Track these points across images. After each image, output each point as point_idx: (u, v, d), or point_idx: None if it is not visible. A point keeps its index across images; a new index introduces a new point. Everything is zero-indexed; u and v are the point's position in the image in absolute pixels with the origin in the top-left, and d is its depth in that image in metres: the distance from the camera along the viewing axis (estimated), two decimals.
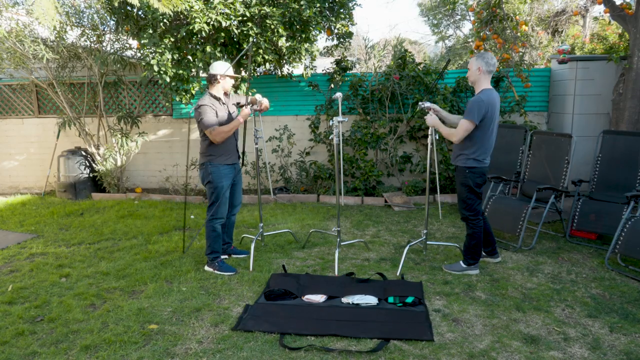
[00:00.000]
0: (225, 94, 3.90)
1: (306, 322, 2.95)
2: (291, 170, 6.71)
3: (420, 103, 3.74)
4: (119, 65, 6.37)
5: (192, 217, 5.57)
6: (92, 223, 5.36)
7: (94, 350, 2.68)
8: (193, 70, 5.72)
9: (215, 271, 3.80)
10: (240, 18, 5.29)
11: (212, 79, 3.79)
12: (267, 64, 6.08)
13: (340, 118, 3.74)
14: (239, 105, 4.00)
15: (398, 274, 3.71)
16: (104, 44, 6.47)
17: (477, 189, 3.59)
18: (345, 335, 2.77)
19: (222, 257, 3.99)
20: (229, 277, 3.70)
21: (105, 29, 6.40)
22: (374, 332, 2.80)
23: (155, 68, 5.29)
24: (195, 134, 7.08)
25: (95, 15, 6.21)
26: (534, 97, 6.30)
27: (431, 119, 3.66)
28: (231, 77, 3.86)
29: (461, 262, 3.74)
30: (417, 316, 3.00)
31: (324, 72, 6.63)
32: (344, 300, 3.23)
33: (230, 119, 3.81)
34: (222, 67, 3.78)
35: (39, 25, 6.00)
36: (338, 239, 4.01)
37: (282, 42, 5.39)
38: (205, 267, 3.89)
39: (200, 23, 5.05)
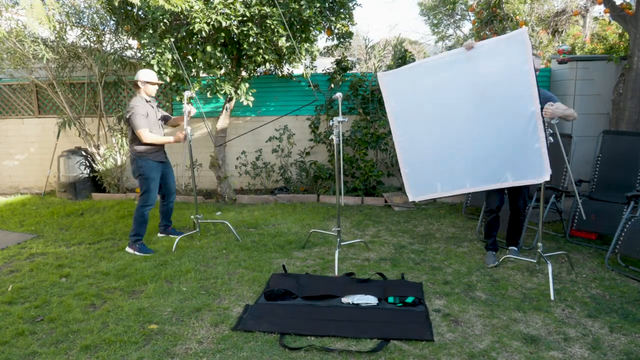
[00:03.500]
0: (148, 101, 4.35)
1: (306, 322, 2.95)
2: (291, 170, 6.71)
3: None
4: (119, 65, 6.37)
5: (192, 217, 5.56)
6: (92, 223, 5.37)
7: (94, 350, 2.68)
8: (193, 70, 5.72)
9: (136, 252, 4.25)
10: (240, 18, 5.29)
11: (136, 85, 4.30)
12: (267, 64, 6.08)
13: (340, 118, 3.75)
14: (164, 121, 4.56)
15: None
16: (104, 44, 6.47)
17: None
18: (345, 336, 2.77)
19: (159, 235, 4.74)
20: (229, 277, 3.71)
21: (105, 29, 6.40)
22: (374, 332, 2.80)
23: (155, 68, 5.29)
24: (196, 134, 7.08)
25: (95, 15, 6.21)
26: None
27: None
28: (152, 83, 4.32)
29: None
30: (417, 316, 3.00)
31: (324, 72, 6.63)
32: (344, 300, 3.23)
33: (154, 120, 4.35)
34: (144, 75, 4.29)
35: (39, 25, 6.00)
36: (338, 239, 4.01)
37: (282, 42, 5.40)
38: (126, 248, 4.33)
39: (200, 23, 5.05)
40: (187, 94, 4.29)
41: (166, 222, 4.78)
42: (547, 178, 3.32)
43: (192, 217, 4.53)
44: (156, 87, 4.40)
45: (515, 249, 4.06)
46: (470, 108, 3.50)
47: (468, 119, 3.53)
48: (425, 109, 3.64)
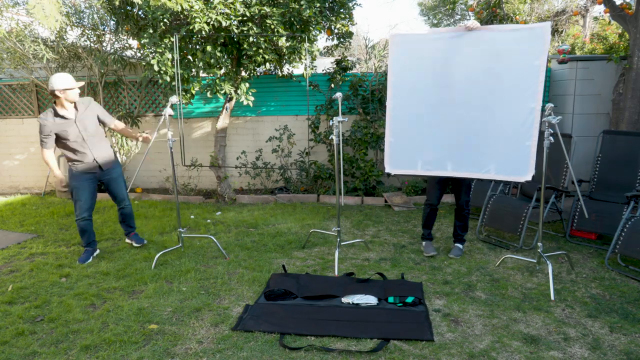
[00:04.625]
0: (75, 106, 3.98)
1: (306, 322, 2.95)
2: (291, 170, 6.71)
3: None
4: (119, 65, 6.37)
5: (192, 217, 5.57)
6: None
7: (94, 350, 2.68)
8: (193, 70, 5.72)
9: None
10: (240, 18, 5.29)
11: (53, 95, 3.85)
12: (267, 64, 6.08)
13: (340, 118, 3.74)
14: (103, 123, 4.25)
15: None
16: (104, 44, 6.47)
17: None
18: (345, 336, 2.77)
19: (127, 241, 4.56)
20: (229, 277, 3.71)
21: (105, 29, 6.40)
22: (374, 332, 2.80)
23: (156, 68, 5.29)
24: (196, 134, 7.09)
25: (95, 15, 6.21)
26: None
27: None
28: (72, 89, 3.88)
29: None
30: (417, 316, 3.01)
31: (324, 72, 6.63)
32: (344, 300, 3.23)
33: (76, 132, 3.95)
34: (60, 82, 3.81)
35: (39, 25, 6.00)
36: (338, 239, 4.01)
37: (282, 42, 5.40)
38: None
39: (200, 23, 5.05)
40: (172, 99, 3.83)
41: (126, 228, 4.52)
42: (529, 178, 3.31)
43: (179, 229, 4.25)
44: (77, 90, 3.94)
45: (460, 246, 4.14)
46: (472, 90, 3.46)
47: (467, 100, 3.48)
48: (427, 80, 3.57)
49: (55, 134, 3.91)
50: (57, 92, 3.82)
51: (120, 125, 4.36)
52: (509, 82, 3.33)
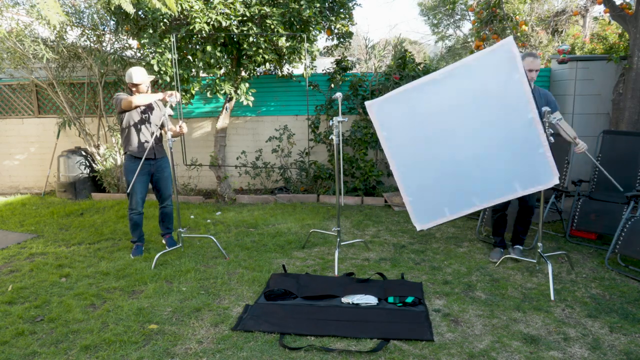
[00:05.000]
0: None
1: (306, 322, 2.95)
2: (291, 170, 6.71)
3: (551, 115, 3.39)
4: (119, 65, 6.37)
5: (192, 217, 5.57)
6: (92, 223, 5.36)
7: (94, 350, 2.68)
8: (193, 70, 5.72)
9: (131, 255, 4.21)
10: (240, 18, 5.29)
11: (131, 86, 4.13)
12: (267, 64, 6.08)
13: (340, 118, 3.74)
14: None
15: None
16: (104, 44, 6.47)
17: None
18: (345, 336, 2.77)
19: (163, 242, 4.53)
20: (229, 277, 3.70)
21: (105, 29, 6.40)
22: (374, 332, 2.80)
23: (155, 68, 5.29)
24: (196, 134, 7.08)
25: (95, 15, 6.21)
26: None
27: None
28: (141, 83, 4.13)
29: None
30: (417, 316, 3.01)
31: (324, 72, 6.63)
32: (344, 300, 3.23)
33: (144, 117, 4.18)
34: (135, 75, 4.08)
35: (39, 25, 6.00)
36: (338, 239, 4.01)
37: (282, 42, 5.39)
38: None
39: (200, 23, 5.05)
40: (172, 99, 3.96)
41: (163, 229, 4.53)
42: (557, 181, 3.27)
43: (179, 229, 4.27)
44: (148, 83, 4.23)
45: (520, 247, 4.09)
46: (466, 126, 3.41)
47: (465, 137, 3.43)
48: (418, 134, 3.51)
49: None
50: (132, 85, 4.12)
51: (174, 128, 4.35)
52: (498, 105, 3.28)
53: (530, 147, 3.27)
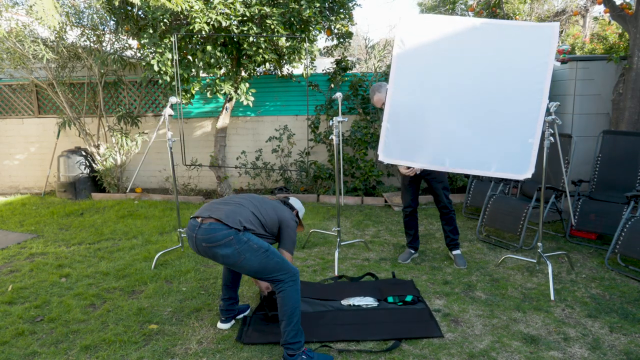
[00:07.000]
0: None
1: (311, 329, 2.83)
2: (291, 170, 6.71)
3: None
4: (118, 65, 6.37)
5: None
6: (92, 223, 5.36)
7: (94, 350, 2.68)
8: (193, 70, 5.72)
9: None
10: (240, 18, 5.29)
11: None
12: (267, 64, 6.08)
13: (340, 118, 3.74)
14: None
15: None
16: (104, 44, 6.47)
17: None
18: (355, 339, 2.72)
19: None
20: None
21: (105, 29, 6.40)
22: (383, 334, 2.77)
23: (156, 68, 5.29)
24: (196, 134, 7.08)
25: (95, 15, 6.20)
26: None
27: None
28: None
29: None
30: (420, 314, 3.00)
31: (324, 72, 6.63)
32: (344, 302, 3.22)
33: None
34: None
35: (39, 25, 6.00)
36: (338, 239, 4.01)
37: (282, 42, 5.39)
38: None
39: (200, 23, 5.05)
40: (172, 99, 3.80)
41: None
42: (529, 176, 3.24)
43: (179, 229, 4.21)
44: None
45: (459, 252, 3.96)
46: (479, 84, 3.31)
47: (473, 94, 3.32)
48: (434, 67, 3.37)
49: None
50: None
51: None
52: (516, 79, 3.22)
53: (523, 133, 3.22)
